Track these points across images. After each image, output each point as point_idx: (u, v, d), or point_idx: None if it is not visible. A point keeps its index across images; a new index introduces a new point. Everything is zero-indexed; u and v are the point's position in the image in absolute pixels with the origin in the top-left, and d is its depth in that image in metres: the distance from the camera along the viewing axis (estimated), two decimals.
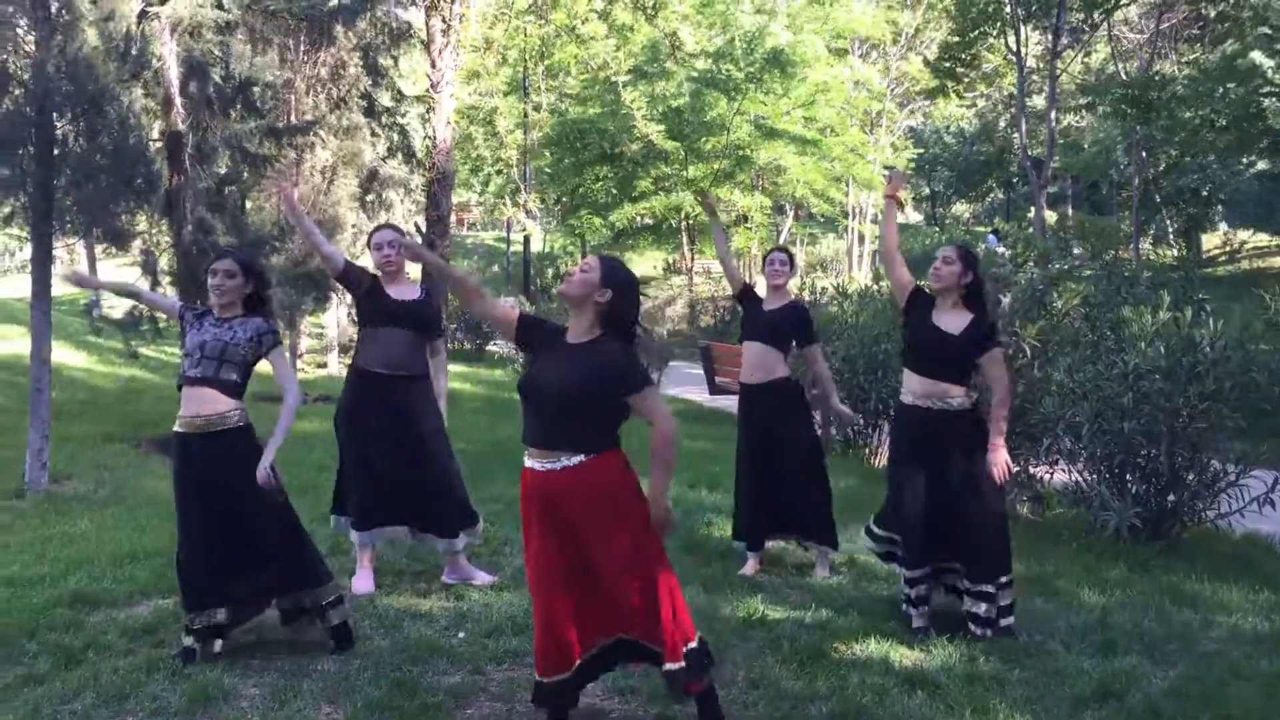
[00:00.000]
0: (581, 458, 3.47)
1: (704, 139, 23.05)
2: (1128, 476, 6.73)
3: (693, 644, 3.56)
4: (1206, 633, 4.95)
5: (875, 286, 14.03)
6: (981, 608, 4.71)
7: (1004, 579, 4.74)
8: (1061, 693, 4.10)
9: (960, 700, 3.99)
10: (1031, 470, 7.46)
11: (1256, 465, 6.59)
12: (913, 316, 4.85)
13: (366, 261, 5.66)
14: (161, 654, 4.42)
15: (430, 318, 5.43)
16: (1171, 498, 6.67)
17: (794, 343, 5.87)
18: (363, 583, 5.38)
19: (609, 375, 3.45)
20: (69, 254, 37.82)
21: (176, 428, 4.39)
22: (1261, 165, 25.74)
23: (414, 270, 5.91)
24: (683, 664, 3.53)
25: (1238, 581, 5.90)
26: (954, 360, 4.73)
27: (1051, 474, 7.26)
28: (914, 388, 4.78)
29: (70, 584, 5.42)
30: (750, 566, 5.86)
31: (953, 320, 4.74)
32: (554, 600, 3.55)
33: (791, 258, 5.95)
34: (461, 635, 4.74)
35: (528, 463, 3.58)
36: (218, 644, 4.38)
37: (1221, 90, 19.72)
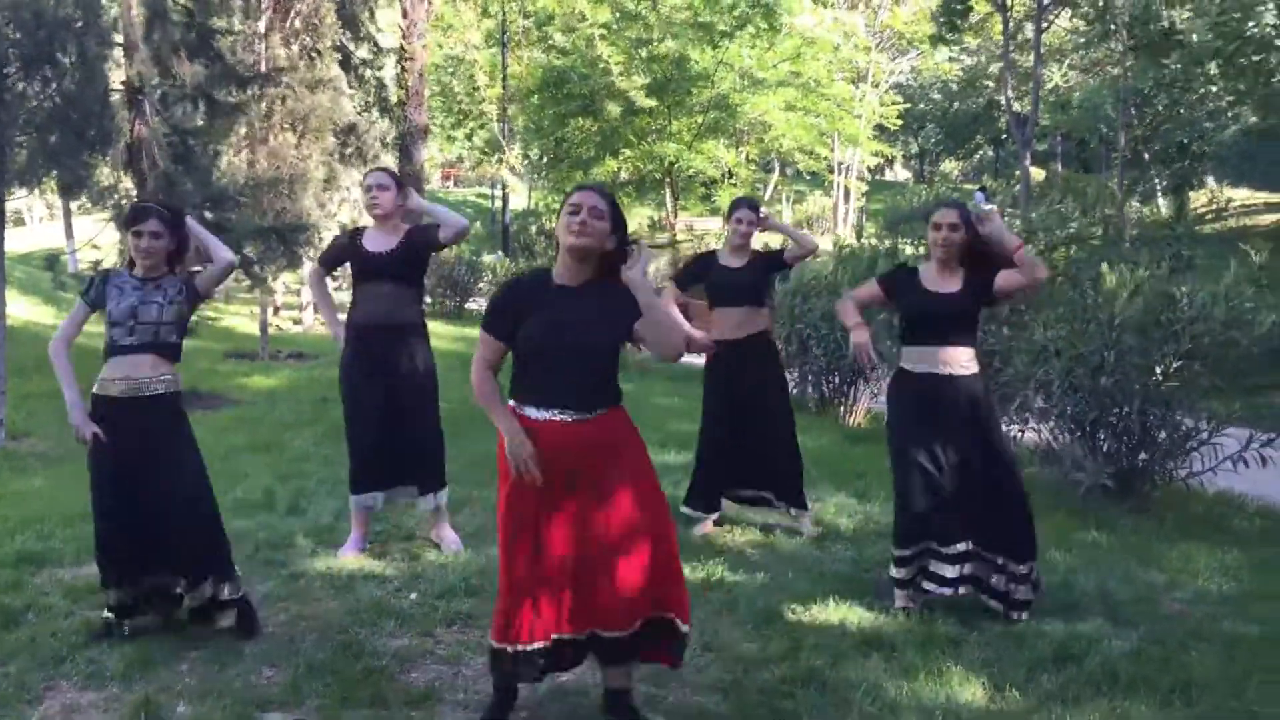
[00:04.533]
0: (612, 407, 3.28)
1: (688, 92, 22.75)
2: (1099, 435, 6.65)
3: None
4: (1171, 594, 4.88)
5: (858, 244, 13.93)
6: (1015, 589, 4.39)
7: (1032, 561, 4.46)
8: (1019, 655, 4.02)
9: (915, 663, 3.92)
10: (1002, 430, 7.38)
11: (1230, 424, 6.50)
12: (902, 300, 4.53)
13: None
14: (104, 616, 4.30)
15: (399, 262, 5.13)
16: (1143, 456, 6.59)
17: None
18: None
19: (631, 314, 3.19)
20: (48, 210, 37.45)
21: (106, 391, 4.06)
22: (1251, 119, 25.64)
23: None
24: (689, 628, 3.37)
25: (1207, 541, 5.85)
26: (961, 319, 4.45)
27: (1022, 433, 7.17)
28: (920, 357, 4.45)
29: (16, 543, 5.31)
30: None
31: (948, 283, 4.44)
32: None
33: (758, 210, 5.77)
34: (413, 596, 4.66)
35: (545, 416, 3.21)
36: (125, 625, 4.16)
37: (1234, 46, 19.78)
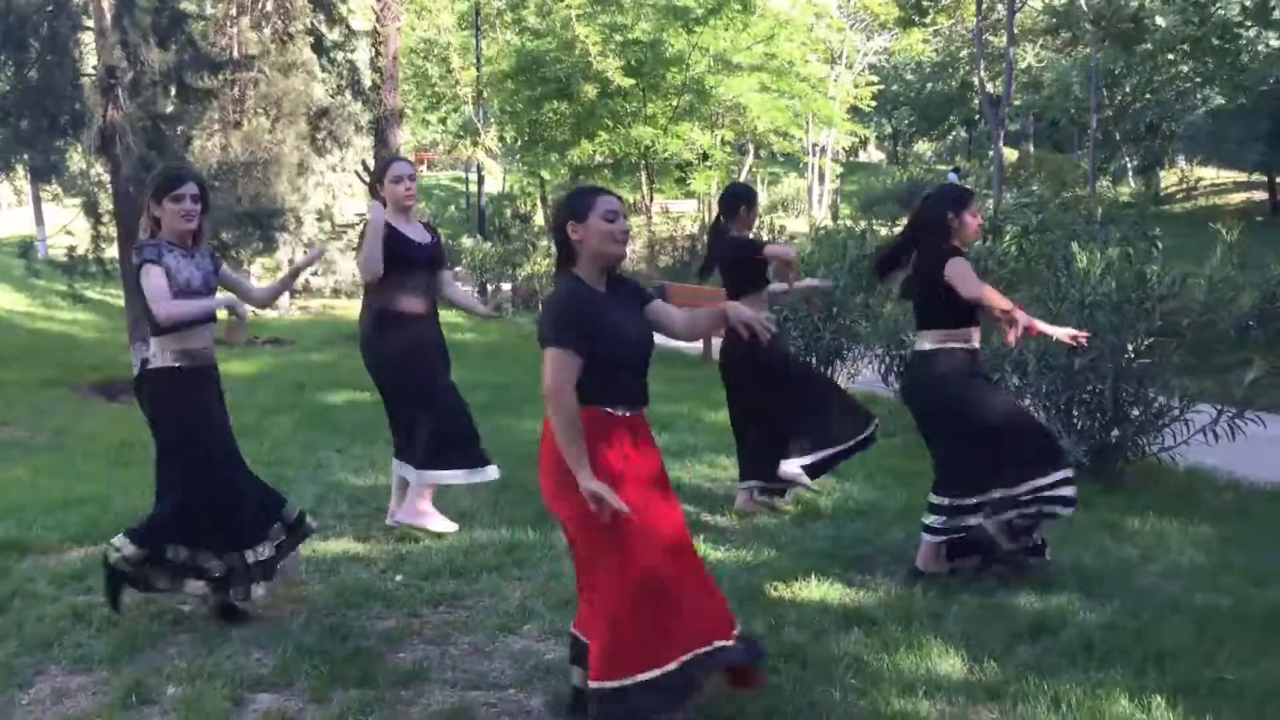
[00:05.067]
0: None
1: (663, 74, 22.75)
2: (1074, 412, 6.75)
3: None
4: (1145, 568, 4.97)
5: (834, 225, 14.02)
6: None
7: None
8: (997, 628, 4.10)
9: (896, 637, 3.99)
10: None
11: (1201, 400, 6.61)
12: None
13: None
14: (89, 601, 4.32)
15: (442, 257, 5.33)
16: (1116, 433, 6.69)
17: None
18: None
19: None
20: (16, 196, 37.02)
21: (192, 363, 4.08)
22: (1218, 101, 25.90)
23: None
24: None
25: (1179, 516, 5.94)
26: None
27: None
28: (975, 335, 4.72)
29: None
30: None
31: None
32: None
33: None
34: (399, 578, 4.70)
35: (624, 412, 3.16)
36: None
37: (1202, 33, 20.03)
